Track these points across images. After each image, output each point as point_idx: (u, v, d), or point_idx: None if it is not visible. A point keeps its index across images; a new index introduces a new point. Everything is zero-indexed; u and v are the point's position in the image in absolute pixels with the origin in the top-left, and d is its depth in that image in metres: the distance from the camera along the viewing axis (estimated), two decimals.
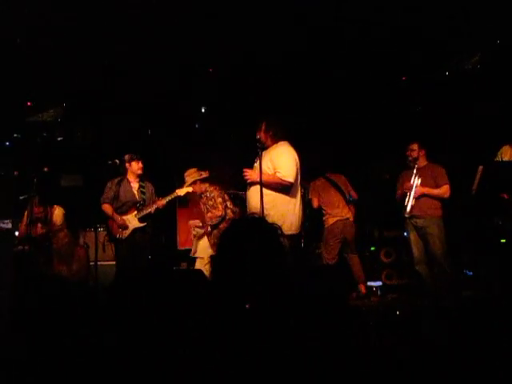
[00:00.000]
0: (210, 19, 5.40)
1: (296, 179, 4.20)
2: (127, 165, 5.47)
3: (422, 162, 5.22)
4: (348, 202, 6.02)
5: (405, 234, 5.50)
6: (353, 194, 6.09)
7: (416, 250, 5.18)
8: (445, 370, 2.53)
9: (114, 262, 5.72)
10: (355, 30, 5.60)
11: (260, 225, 1.81)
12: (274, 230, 1.78)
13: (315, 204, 6.07)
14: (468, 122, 6.07)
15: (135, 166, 5.45)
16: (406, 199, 5.12)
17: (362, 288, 5.89)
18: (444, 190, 5.08)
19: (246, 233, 1.73)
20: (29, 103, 6.92)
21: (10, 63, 5.80)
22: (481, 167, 4.39)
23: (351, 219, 5.97)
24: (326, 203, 6.00)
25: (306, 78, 6.52)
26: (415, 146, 5.22)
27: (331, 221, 5.93)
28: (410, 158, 5.22)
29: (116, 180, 5.44)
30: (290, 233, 4.10)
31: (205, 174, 5.65)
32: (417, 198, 5.10)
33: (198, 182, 5.63)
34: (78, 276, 5.84)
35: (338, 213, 5.92)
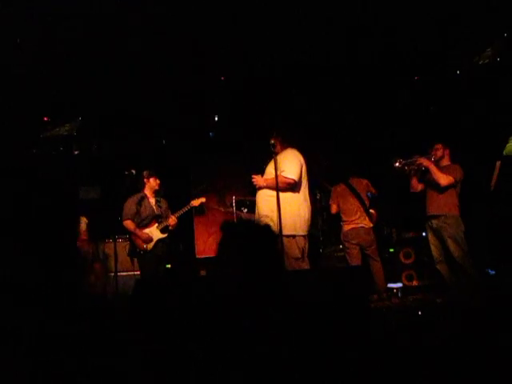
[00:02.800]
0: (221, 28, 5.45)
1: (300, 179, 4.33)
2: (145, 180, 5.66)
3: (446, 162, 5.19)
4: (367, 210, 6.01)
5: (423, 234, 5.44)
6: (372, 190, 6.11)
7: (435, 249, 5.13)
8: (467, 369, 2.50)
9: (132, 273, 5.87)
10: (367, 31, 5.60)
11: (251, 227, 1.86)
12: (264, 232, 1.82)
13: (333, 210, 6.14)
14: (483, 119, 6.00)
15: (153, 183, 5.67)
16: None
17: (383, 291, 5.86)
18: (445, 176, 4.99)
19: (236, 235, 1.78)
20: (45, 118, 7.03)
21: (27, 79, 5.92)
22: (498, 162, 4.34)
23: (367, 226, 5.94)
24: (343, 210, 6.04)
25: (320, 80, 6.51)
26: (440, 146, 5.21)
27: (346, 228, 5.99)
28: (434, 158, 5.18)
29: (136, 199, 5.58)
30: (301, 233, 4.26)
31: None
32: (429, 189, 5.12)
33: None
34: (96, 288, 5.95)
35: (354, 220, 5.94)
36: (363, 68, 6.31)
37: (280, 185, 4.15)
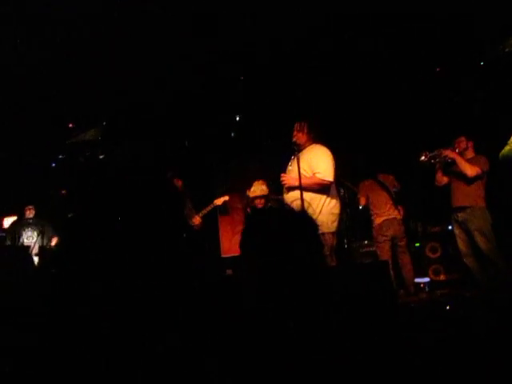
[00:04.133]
0: (242, 24, 5.46)
1: (334, 178, 4.28)
2: (169, 180, 5.69)
3: (470, 154, 5.14)
4: (395, 203, 5.99)
5: (449, 227, 5.40)
6: (396, 185, 6.12)
7: (461, 243, 5.09)
8: (495, 366, 2.47)
9: None
10: (389, 22, 5.55)
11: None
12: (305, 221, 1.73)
13: (362, 202, 6.11)
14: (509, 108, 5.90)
15: (176, 183, 5.70)
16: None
17: (411, 288, 5.80)
18: (471, 166, 4.95)
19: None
20: (71, 124, 7.17)
21: (53, 87, 6.05)
22: None
23: (399, 218, 5.92)
24: (373, 203, 6.01)
25: (344, 74, 6.49)
26: (463, 138, 5.18)
27: (378, 220, 5.92)
28: (458, 150, 5.14)
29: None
30: (331, 230, 4.23)
31: (265, 192, 5.78)
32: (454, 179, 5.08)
33: (264, 200, 5.80)
34: None
35: (385, 212, 5.91)
36: (386, 61, 6.26)
37: (315, 186, 4.16)
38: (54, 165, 7.60)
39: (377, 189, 6.05)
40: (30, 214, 7.00)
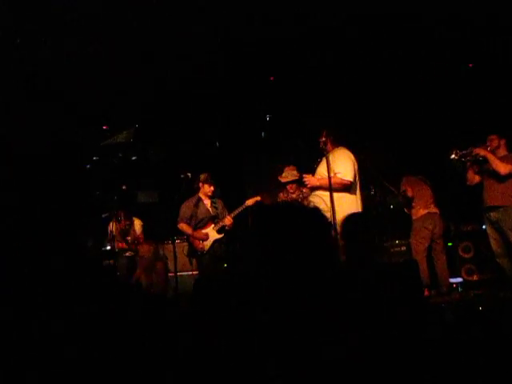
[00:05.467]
0: (268, 28, 5.51)
1: (355, 178, 4.40)
2: (200, 184, 5.78)
3: (502, 152, 5.05)
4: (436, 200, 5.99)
5: (483, 226, 5.32)
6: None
7: (495, 243, 5.01)
8: None
9: (191, 273, 6.06)
10: (418, 20, 5.51)
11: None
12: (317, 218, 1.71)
13: (410, 193, 5.98)
14: None
15: (207, 189, 5.80)
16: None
17: (444, 288, 5.73)
18: (504, 164, 4.87)
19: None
20: (105, 127, 7.35)
21: (87, 91, 6.21)
22: None
23: (439, 214, 5.92)
24: (418, 196, 5.95)
25: (372, 75, 6.46)
26: (494, 136, 5.09)
27: (422, 212, 5.88)
28: (490, 148, 5.06)
29: (192, 202, 5.75)
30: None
31: (296, 176, 5.83)
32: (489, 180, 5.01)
33: (296, 185, 5.86)
34: (157, 288, 6.17)
35: (429, 206, 5.89)
36: (414, 61, 6.21)
37: (336, 186, 4.23)
38: (88, 166, 7.79)
39: (420, 183, 6.03)
40: None
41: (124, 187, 6.09)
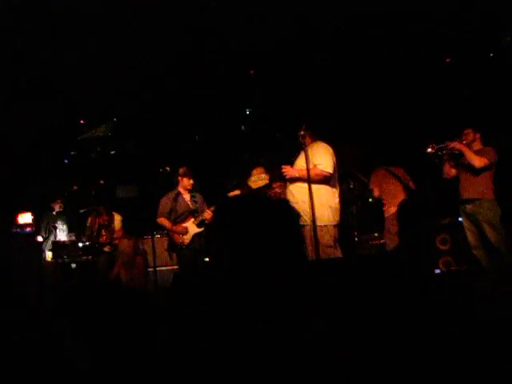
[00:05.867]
0: (249, 23, 5.50)
1: (334, 171, 4.43)
2: (179, 178, 5.74)
3: (477, 146, 5.12)
4: (408, 195, 5.97)
5: (459, 219, 5.39)
6: (411, 185, 6.07)
7: (470, 235, 5.08)
8: (503, 358, 2.48)
9: (171, 267, 6.04)
10: (397, 15, 5.54)
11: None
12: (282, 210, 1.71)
13: (376, 193, 6.06)
14: None
15: (186, 182, 5.76)
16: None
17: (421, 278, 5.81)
18: (479, 158, 4.93)
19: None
20: (82, 121, 7.26)
21: (63, 85, 6.13)
22: None
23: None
24: (386, 193, 5.99)
25: (349, 69, 6.49)
26: (470, 130, 5.14)
27: (393, 209, 5.91)
28: (465, 142, 5.12)
29: (171, 196, 5.71)
30: (333, 223, 4.38)
31: (266, 181, 5.79)
32: (464, 174, 5.07)
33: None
34: (137, 282, 6.13)
35: (398, 202, 5.90)
36: (393, 54, 6.25)
37: (316, 177, 4.28)
38: (66, 161, 7.69)
39: (389, 178, 6.04)
40: (60, 207, 7.21)
41: (102, 182, 6.01)
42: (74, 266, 6.33)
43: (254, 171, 5.88)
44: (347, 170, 6.17)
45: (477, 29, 5.76)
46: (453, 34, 5.95)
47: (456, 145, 5.05)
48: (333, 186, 4.48)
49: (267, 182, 5.71)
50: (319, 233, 4.20)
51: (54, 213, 7.21)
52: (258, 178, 5.80)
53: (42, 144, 6.99)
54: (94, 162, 7.51)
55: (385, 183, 6.02)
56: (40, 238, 7.02)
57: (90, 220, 6.26)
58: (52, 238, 6.97)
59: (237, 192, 5.76)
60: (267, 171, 5.80)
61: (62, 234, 7.07)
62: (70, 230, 7.07)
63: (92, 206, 6.25)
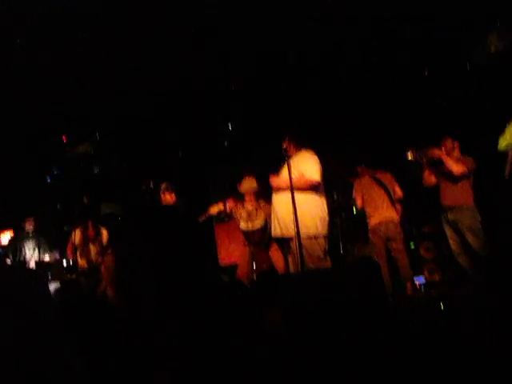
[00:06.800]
0: (228, 30, 5.52)
1: (321, 179, 4.43)
2: (161, 193, 5.74)
3: (456, 154, 5.20)
4: (393, 202, 5.81)
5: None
6: (398, 192, 5.86)
7: (453, 243, 5.14)
8: (490, 362, 2.50)
9: None
10: (375, 22, 5.62)
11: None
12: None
13: (359, 204, 5.91)
14: (494, 108, 5.96)
15: (168, 197, 5.78)
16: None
17: (409, 286, 5.75)
18: (458, 165, 5.01)
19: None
20: (64, 138, 7.22)
21: (45, 101, 6.10)
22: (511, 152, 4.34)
23: (395, 220, 5.74)
24: (369, 202, 5.82)
25: (329, 76, 6.53)
26: (448, 138, 5.23)
27: (373, 221, 5.76)
28: (445, 150, 5.18)
29: None
30: (323, 232, 4.38)
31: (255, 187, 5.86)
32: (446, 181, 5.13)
33: (254, 196, 5.85)
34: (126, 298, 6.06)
35: (382, 213, 5.73)
36: (373, 61, 6.32)
37: (304, 186, 4.31)
38: (49, 180, 7.63)
39: (373, 186, 5.87)
40: (29, 226, 6.98)
41: (86, 200, 5.97)
42: (57, 285, 6.23)
43: (246, 179, 5.93)
44: (331, 180, 6.15)
45: (455, 37, 5.87)
46: (429, 42, 6.05)
47: (435, 152, 5.12)
48: (321, 195, 4.48)
49: (255, 188, 5.76)
50: (308, 244, 4.20)
51: (25, 232, 6.99)
52: (248, 185, 5.84)
53: (23, 162, 6.92)
54: (77, 180, 7.46)
55: (368, 193, 5.87)
56: (8, 261, 6.79)
57: (73, 235, 6.14)
58: (23, 258, 6.82)
59: (220, 207, 5.80)
60: (258, 180, 5.85)
61: (30, 253, 6.89)
62: (52, 249, 6.95)
63: (77, 222, 6.16)
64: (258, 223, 5.62)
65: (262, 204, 5.60)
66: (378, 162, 6.19)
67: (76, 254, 6.03)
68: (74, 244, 6.05)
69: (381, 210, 5.74)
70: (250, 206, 5.85)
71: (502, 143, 4.53)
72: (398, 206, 5.85)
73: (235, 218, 5.92)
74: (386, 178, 5.92)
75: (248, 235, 5.82)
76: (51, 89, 6.00)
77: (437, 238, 6.28)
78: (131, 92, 6.42)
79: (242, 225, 5.79)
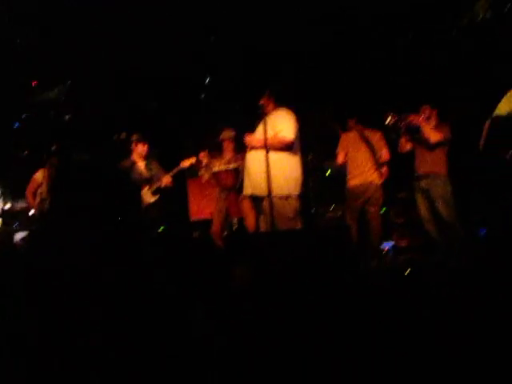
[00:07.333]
0: None
1: (296, 138, 4.33)
2: (133, 145, 5.61)
3: (433, 122, 5.19)
4: (377, 164, 5.54)
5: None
6: (384, 154, 5.56)
7: (423, 209, 5.18)
8: (449, 334, 2.53)
9: None
10: None
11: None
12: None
13: (340, 159, 5.56)
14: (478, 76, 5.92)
15: (140, 148, 5.68)
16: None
17: (375, 253, 5.72)
18: (435, 133, 5.00)
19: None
20: (34, 82, 6.94)
21: (15, 44, 5.83)
22: (487, 123, 4.32)
23: (377, 182, 5.50)
24: (352, 160, 5.51)
25: (316, 37, 6.39)
26: (427, 106, 5.20)
27: (353, 182, 5.49)
28: (423, 118, 5.15)
29: (126, 165, 5.55)
30: (295, 193, 4.32)
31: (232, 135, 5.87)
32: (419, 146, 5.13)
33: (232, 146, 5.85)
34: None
35: (364, 174, 5.47)
36: (358, 24, 6.19)
37: (278, 145, 4.21)
38: (17, 125, 7.36)
39: (360, 144, 5.54)
40: None
41: (54, 147, 5.75)
42: (23, 234, 6.09)
43: (225, 129, 5.93)
44: (307, 140, 6.02)
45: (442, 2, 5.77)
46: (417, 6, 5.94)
47: (414, 118, 5.10)
48: (295, 154, 4.39)
49: (234, 134, 5.78)
50: (279, 204, 4.16)
51: None
52: (227, 134, 5.82)
53: None
54: (47, 127, 7.21)
55: (353, 150, 5.53)
56: None
57: (38, 174, 5.69)
58: None
59: (192, 160, 5.70)
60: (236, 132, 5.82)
61: None
62: (18, 198, 6.73)
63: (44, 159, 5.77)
64: (232, 166, 5.55)
65: (240, 157, 5.51)
66: (365, 120, 5.88)
67: (36, 195, 5.64)
68: (36, 184, 5.66)
69: (363, 170, 5.48)
70: (228, 154, 5.82)
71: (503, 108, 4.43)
72: (384, 169, 5.61)
73: (209, 169, 5.83)
74: (375, 137, 5.61)
75: (220, 178, 5.70)
76: (25, 31, 5.72)
77: (408, 204, 6.33)
78: (109, 38, 6.16)
79: (215, 168, 5.71)
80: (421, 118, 5.08)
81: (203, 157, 5.71)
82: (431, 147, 5.04)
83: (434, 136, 4.99)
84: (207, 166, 5.71)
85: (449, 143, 5.10)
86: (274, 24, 6.17)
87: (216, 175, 5.75)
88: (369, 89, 6.74)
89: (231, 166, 5.61)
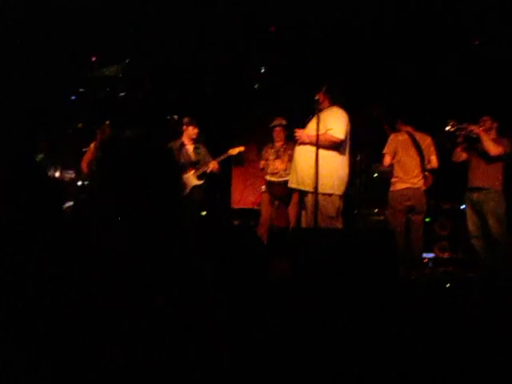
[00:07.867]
0: None
1: (346, 138, 4.33)
2: (184, 127, 5.67)
3: (493, 135, 5.01)
4: (424, 169, 5.28)
5: (462, 206, 5.31)
6: (433, 160, 5.29)
7: (472, 224, 5.03)
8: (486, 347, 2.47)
9: None
10: None
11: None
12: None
13: (387, 161, 5.29)
14: None
15: (191, 131, 5.71)
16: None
17: (416, 263, 5.48)
18: (496, 146, 4.84)
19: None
20: (94, 58, 7.10)
21: (78, 19, 5.96)
22: None
23: (423, 189, 5.24)
24: (400, 164, 5.23)
25: (374, 36, 6.28)
26: (488, 118, 5.03)
27: (399, 186, 5.21)
28: (483, 129, 4.98)
29: (175, 146, 5.61)
30: (338, 192, 4.31)
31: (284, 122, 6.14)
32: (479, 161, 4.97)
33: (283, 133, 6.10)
34: None
35: (411, 179, 5.18)
36: (418, 26, 6.04)
37: (326, 143, 4.20)
38: (74, 98, 7.55)
39: (410, 148, 5.25)
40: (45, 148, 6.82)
41: (107, 122, 5.85)
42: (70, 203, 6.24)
43: (277, 118, 6.16)
44: (358, 141, 5.83)
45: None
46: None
47: (475, 129, 4.94)
48: (343, 154, 4.38)
49: (285, 123, 6.05)
50: (322, 202, 4.15)
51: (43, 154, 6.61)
52: (278, 121, 6.10)
53: (50, 80, 6.82)
54: (102, 102, 7.37)
55: (401, 153, 5.25)
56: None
57: (92, 146, 5.64)
58: None
59: (240, 148, 5.76)
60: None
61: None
62: (67, 168, 6.88)
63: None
64: (284, 179, 5.65)
65: (290, 145, 5.55)
66: (419, 123, 5.58)
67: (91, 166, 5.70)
68: (91, 154, 5.60)
69: (411, 176, 5.20)
70: (278, 143, 6.07)
71: None
72: (429, 176, 5.37)
73: (262, 160, 6.16)
74: (425, 142, 5.30)
75: (272, 187, 5.99)
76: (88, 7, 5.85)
77: (454, 216, 6.17)
78: (167, 23, 6.23)
79: (269, 176, 6.03)
80: (481, 129, 4.92)
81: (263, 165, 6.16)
82: (489, 160, 4.88)
83: (494, 148, 4.82)
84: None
85: (508, 158, 4.91)
86: (336, 21, 6.11)
87: (269, 184, 6.08)
88: (426, 93, 6.59)
89: (283, 179, 5.80)
